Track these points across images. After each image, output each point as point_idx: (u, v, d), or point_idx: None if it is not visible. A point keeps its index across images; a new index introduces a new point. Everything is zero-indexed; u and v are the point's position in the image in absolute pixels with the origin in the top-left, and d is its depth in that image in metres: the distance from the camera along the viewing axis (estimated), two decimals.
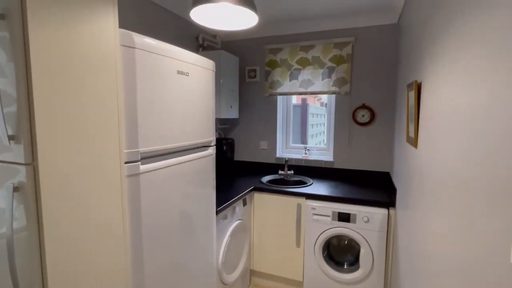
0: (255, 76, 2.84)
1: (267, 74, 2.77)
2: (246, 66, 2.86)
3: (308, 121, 3.92)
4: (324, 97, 2.85)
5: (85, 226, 0.96)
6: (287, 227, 2.23)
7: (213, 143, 1.67)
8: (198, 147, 1.54)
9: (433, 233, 0.99)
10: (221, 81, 2.42)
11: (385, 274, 1.99)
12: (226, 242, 1.89)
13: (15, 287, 0.96)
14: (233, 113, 2.68)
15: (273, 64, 2.74)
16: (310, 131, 4.68)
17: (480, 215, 0.61)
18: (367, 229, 1.97)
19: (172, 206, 1.32)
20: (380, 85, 2.45)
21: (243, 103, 2.91)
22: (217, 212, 1.73)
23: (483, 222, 0.59)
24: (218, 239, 1.83)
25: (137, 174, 1.09)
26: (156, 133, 1.18)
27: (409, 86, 1.53)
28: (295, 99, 3.10)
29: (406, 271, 1.47)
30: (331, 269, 2.08)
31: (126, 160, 1.06)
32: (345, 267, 2.12)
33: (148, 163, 1.16)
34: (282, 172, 2.66)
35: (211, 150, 1.64)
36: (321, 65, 2.58)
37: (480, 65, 0.65)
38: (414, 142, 1.39)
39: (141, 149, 1.10)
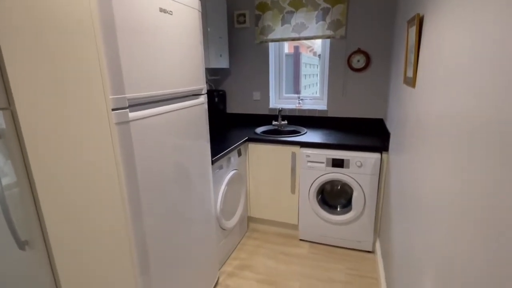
0: (244, 22, 2.65)
1: (258, 18, 2.58)
2: (235, 10, 2.65)
3: (301, 71, 3.80)
4: (317, 47, 2.71)
5: (78, 174, 0.94)
6: (282, 175, 2.27)
7: (204, 91, 1.59)
8: (188, 95, 1.47)
9: (428, 171, 1.01)
10: (209, 29, 2.25)
11: (376, 214, 2.09)
12: (223, 191, 1.93)
13: (16, 239, 0.97)
14: (223, 63, 2.55)
15: (263, 7, 2.54)
16: (303, 82, 4.57)
17: (480, 154, 0.60)
18: (360, 173, 2.02)
19: (167, 156, 1.30)
20: (377, 27, 2.32)
21: (233, 52, 2.76)
22: (213, 162, 1.73)
23: (482, 161, 0.58)
24: (215, 188, 1.85)
25: (127, 122, 1.04)
26: (143, 78, 1.11)
27: (410, 22, 1.44)
28: (287, 48, 2.95)
29: (397, 210, 1.54)
30: (324, 212, 2.18)
31: (113, 107, 1.00)
32: (338, 209, 2.22)
33: (137, 111, 1.10)
34: (276, 122, 2.63)
35: (203, 99, 1.57)
36: (315, 6, 2.41)
37: None
38: (412, 82, 1.35)
39: (128, 95, 1.04)
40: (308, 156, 2.12)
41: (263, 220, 2.50)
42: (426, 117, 1.09)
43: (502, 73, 0.55)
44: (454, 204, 0.74)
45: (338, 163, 2.06)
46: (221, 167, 1.91)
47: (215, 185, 1.84)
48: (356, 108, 2.52)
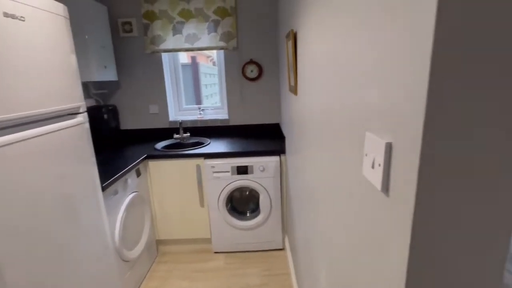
0: (131, 30, 2.46)
1: (146, 27, 2.43)
2: (119, 18, 2.43)
3: (201, 81, 3.77)
4: (216, 56, 2.75)
5: None
6: (188, 189, 2.18)
7: (83, 109, 1.39)
8: (61, 116, 1.25)
9: (309, 166, 1.12)
10: (86, 36, 1.99)
11: (281, 212, 2.23)
12: (122, 218, 1.72)
13: None
14: (110, 75, 2.29)
15: (151, 16, 2.42)
16: (205, 91, 4.55)
17: (342, 146, 0.69)
18: (264, 177, 2.12)
19: (39, 188, 1.06)
20: (265, 39, 2.50)
21: (122, 63, 2.52)
22: (104, 188, 1.52)
23: (345, 152, 0.67)
24: (111, 216, 1.63)
25: None
26: None
27: (287, 36, 1.59)
28: (185, 58, 2.89)
29: (295, 205, 1.68)
30: (235, 219, 2.20)
31: None
32: (248, 215, 2.28)
33: None
34: (178, 135, 2.53)
35: (82, 118, 1.36)
36: (205, 18, 2.43)
37: (343, 17, 0.69)
38: (294, 90, 1.49)
39: None
40: (213, 167, 2.10)
41: (174, 241, 2.35)
42: (305, 120, 1.22)
43: (338, 81, 0.65)
44: (323, 191, 0.84)
45: (242, 170, 2.11)
46: (116, 192, 1.70)
47: (110, 213, 1.62)
48: (255, 115, 2.66)
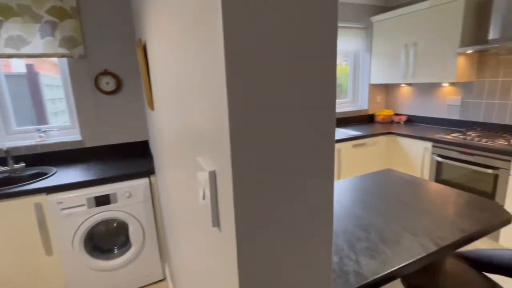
0: None
1: None
2: None
3: (43, 96, 3.04)
4: (59, 65, 2.25)
5: None
6: (26, 238, 1.66)
7: None
8: None
9: (169, 190, 1.01)
10: None
11: (158, 240, 2.01)
12: None
13: None
14: None
15: None
16: (51, 108, 3.74)
17: (185, 170, 0.61)
18: (131, 204, 1.85)
19: None
20: (122, 46, 2.22)
21: None
22: None
23: (187, 178, 0.59)
24: None
25: None
26: None
27: (137, 45, 1.44)
28: (23, 67, 2.28)
29: (168, 227, 1.52)
30: (99, 261, 1.83)
31: None
32: (116, 251, 1.94)
33: None
34: (5, 168, 1.91)
35: None
36: (35, 18, 1.95)
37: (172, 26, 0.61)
38: (151, 104, 1.35)
39: None
40: (61, 202, 1.68)
41: None
42: (162, 138, 1.10)
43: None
44: (178, 218, 0.76)
45: (103, 201, 1.78)
46: None
47: None
48: (118, 133, 2.32)
